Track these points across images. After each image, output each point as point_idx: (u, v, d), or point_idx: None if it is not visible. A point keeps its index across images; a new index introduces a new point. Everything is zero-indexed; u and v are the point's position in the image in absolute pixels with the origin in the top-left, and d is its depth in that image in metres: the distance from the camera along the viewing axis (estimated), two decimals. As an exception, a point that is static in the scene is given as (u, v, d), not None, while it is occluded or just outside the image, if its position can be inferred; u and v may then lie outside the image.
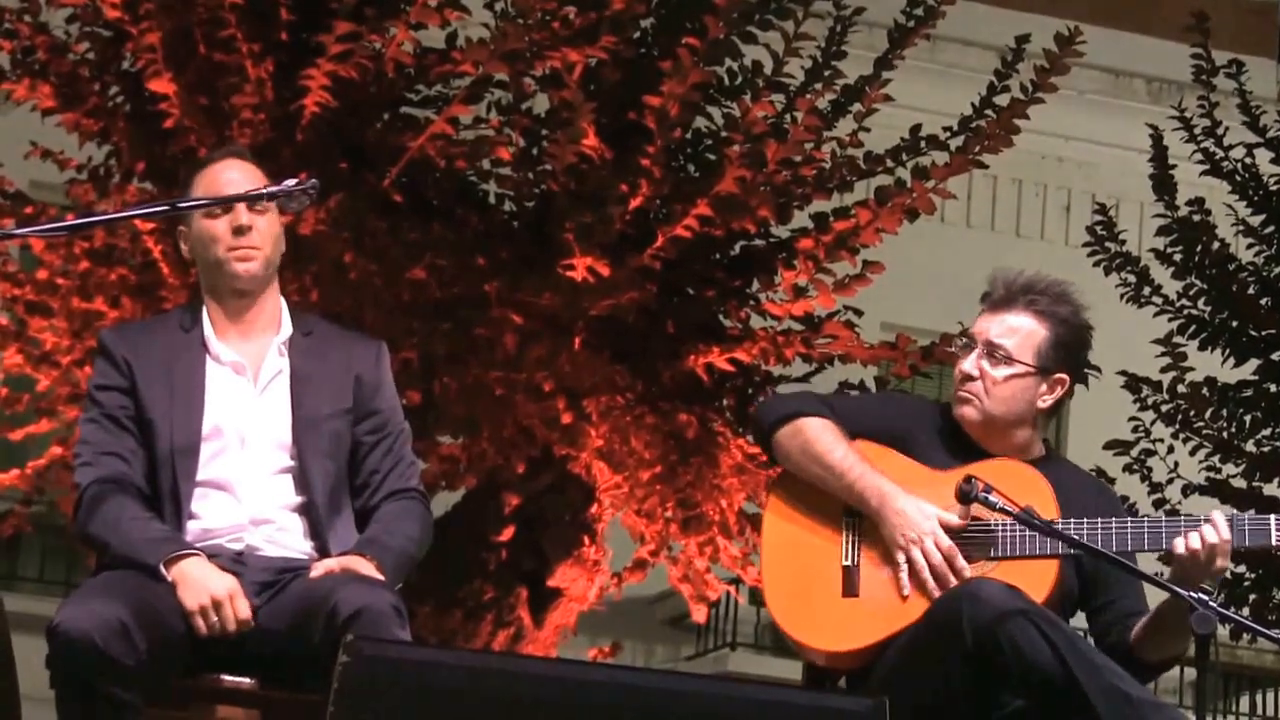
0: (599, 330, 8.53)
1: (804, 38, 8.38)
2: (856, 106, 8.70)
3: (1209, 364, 10.31)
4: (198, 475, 4.44)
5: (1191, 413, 10.13)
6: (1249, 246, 10.53)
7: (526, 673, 3.95)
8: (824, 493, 4.74)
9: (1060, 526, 4.53)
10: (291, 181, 4.48)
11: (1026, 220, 18.84)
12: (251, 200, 4.50)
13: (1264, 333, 10.29)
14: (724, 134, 8.60)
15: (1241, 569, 9.96)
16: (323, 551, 4.45)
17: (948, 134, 8.67)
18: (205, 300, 4.61)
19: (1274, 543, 4.59)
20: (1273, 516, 4.59)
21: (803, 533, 4.73)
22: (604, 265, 8.19)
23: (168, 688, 4.25)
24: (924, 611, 4.52)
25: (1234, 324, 10.29)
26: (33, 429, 9.08)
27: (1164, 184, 10.41)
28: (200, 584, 4.25)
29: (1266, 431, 10.24)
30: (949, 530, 4.60)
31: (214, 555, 4.36)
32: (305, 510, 4.49)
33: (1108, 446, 10.09)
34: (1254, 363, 10.36)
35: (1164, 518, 4.67)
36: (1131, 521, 4.63)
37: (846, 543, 4.69)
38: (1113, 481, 9.07)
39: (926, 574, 4.57)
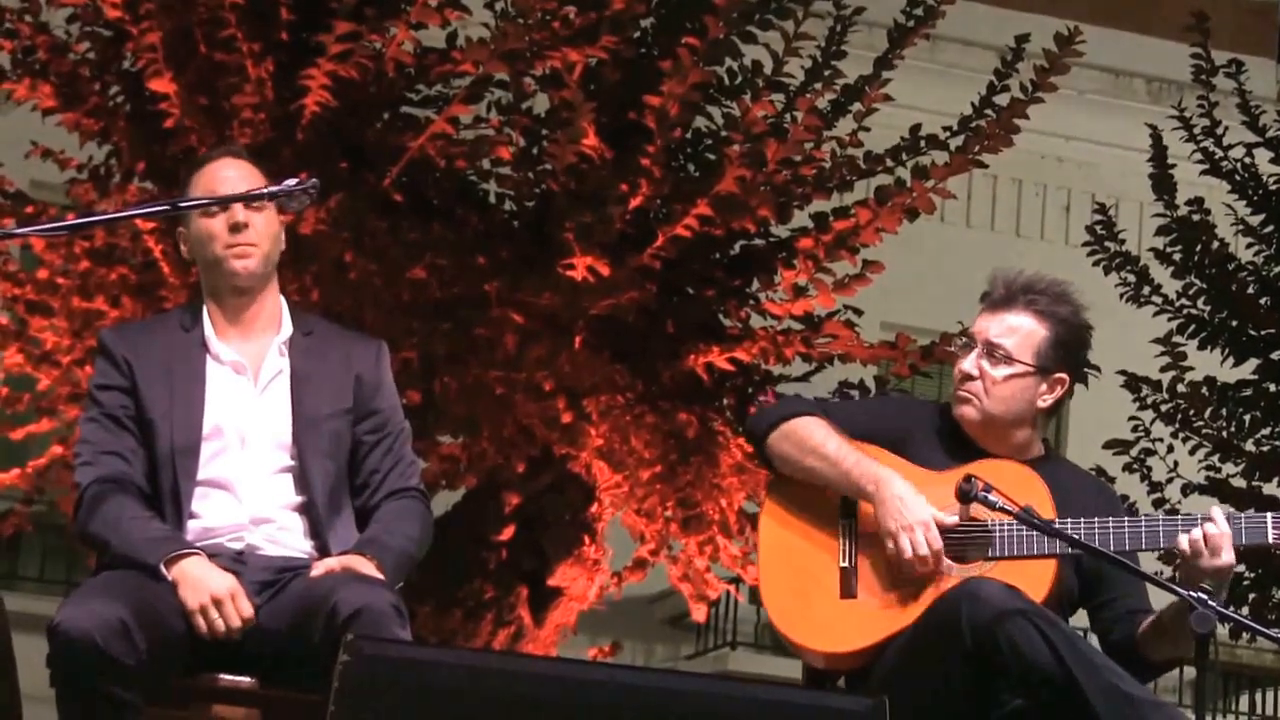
0: (599, 330, 8.53)
1: (804, 37, 8.38)
2: (856, 106, 8.70)
3: (1208, 363, 10.31)
4: (198, 475, 4.45)
5: (1191, 412, 10.13)
6: (1248, 246, 10.53)
7: (527, 672, 3.95)
8: (820, 495, 4.74)
9: (1058, 526, 4.53)
10: (292, 181, 4.48)
11: (1026, 220, 18.84)
12: (252, 200, 4.51)
13: (1263, 332, 10.29)
14: (724, 134, 8.61)
15: (1241, 568, 9.95)
16: (323, 551, 4.45)
17: (948, 134, 8.68)
18: (205, 300, 4.61)
19: (1271, 540, 4.59)
20: (1269, 515, 4.59)
21: (800, 535, 4.73)
22: (604, 265, 8.19)
23: (168, 687, 4.25)
24: (923, 612, 4.52)
25: (1233, 323, 10.29)
26: (33, 428, 9.08)
27: (1164, 184, 10.41)
28: (201, 583, 4.26)
29: (1266, 431, 10.24)
30: (941, 529, 4.60)
31: (214, 555, 4.36)
32: (305, 510, 4.49)
33: (1107, 446, 10.09)
34: (1253, 362, 10.36)
35: (1162, 517, 4.67)
36: (1129, 521, 4.64)
37: (843, 544, 4.69)
38: (1112, 481, 9.08)
39: (914, 563, 4.57)
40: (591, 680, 3.92)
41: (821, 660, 4.67)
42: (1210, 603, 4.23)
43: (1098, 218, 10.65)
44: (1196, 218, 10.36)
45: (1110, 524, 4.59)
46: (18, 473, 9.01)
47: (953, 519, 4.61)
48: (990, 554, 4.61)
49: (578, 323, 8.46)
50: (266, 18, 8.15)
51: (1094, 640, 4.83)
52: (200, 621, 4.24)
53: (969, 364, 4.79)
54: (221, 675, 4.31)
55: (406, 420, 4.70)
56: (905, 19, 8.83)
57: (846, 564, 4.67)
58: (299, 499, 4.49)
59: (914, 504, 4.59)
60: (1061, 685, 4.32)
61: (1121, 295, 10.35)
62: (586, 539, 9.23)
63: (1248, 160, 10.47)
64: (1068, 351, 4.80)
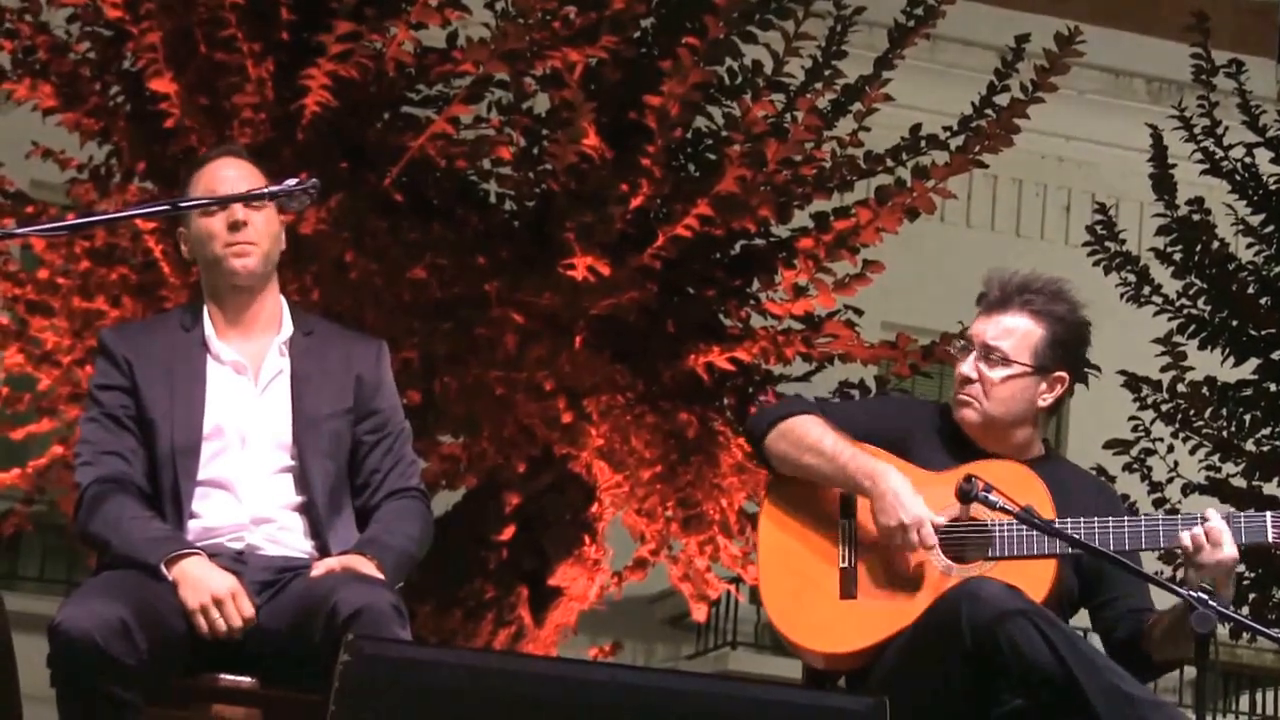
0: (599, 330, 8.53)
1: (804, 37, 8.38)
2: (857, 106, 8.71)
3: (1209, 363, 10.31)
4: (198, 475, 4.45)
5: (1191, 412, 10.13)
6: (1249, 246, 10.54)
7: (527, 672, 3.95)
8: (820, 496, 4.74)
9: (1058, 526, 4.54)
10: (292, 181, 4.48)
11: (1027, 220, 18.84)
12: (253, 199, 4.51)
13: (1263, 332, 10.29)
14: (724, 133, 8.61)
15: (1241, 568, 9.94)
16: (323, 551, 4.45)
17: (948, 134, 8.68)
18: (206, 300, 4.61)
19: (1270, 539, 4.59)
20: (1269, 514, 4.60)
21: (799, 536, 4.73)
22: (604, 265, 8.20)
23: (168, 687, 4.25)
24: (923, 611, 4.52)
25: (1234, 323, 10.29)
26: (34, 428, 9.08)
27: (1164, 183, 10.41)
28: (201, 583, 4.26)
29: (1266, 431, 10.24)
30: (938, 528, 4.60)
31: (215, 554, 4.36)
32: (306, 510, 4.49)
33: (1108, 446, 10.09)
34: (1254, 362, 10.36)
35: (1161, 516, 4.68)
36: (1129, 520, 4.64)
37: (843, 545, 4.69)
38: (1113, 480, 9.09)
39: (908, 558, 4.58)
40: (592, 680, 3.92)
41: (821, 661, 4.66)
42: (1210, 602, 4.23)
43: (1098, 218, 10.65)
44: (1197, 218, 10.36)
45: (1110, 523, 4.59)
46: (18, 473, 9.01)
47: (941, 519, 4.61)
48: (990, 554, 4.61)
49: (578, 323, 8.46)
50: (267, 18, 8.15)
51: (1096, 640, 4.84)
52: (201, 621, 4.24)
53: (967, 367, 4.79)
54: (222, 675, 4.31)
55: (407, 420, 4.70)
56: (905, 19, 8.83)
57: (846, 565, 4.67)
58: (299, 499, 4.49)
59: (909, 499, 4.59)
60: (1062, 685, 4.32)
61: (1122, 295, 10.36)
62: (587, 539, 9.23)
63: (1248, 160, 10.48)
64: (1066, 350, 4.80)
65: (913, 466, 4.73)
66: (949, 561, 4.62)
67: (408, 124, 8.47)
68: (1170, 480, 10.15)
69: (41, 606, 8.33)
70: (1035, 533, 4.54)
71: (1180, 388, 10.06)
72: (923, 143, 8.66)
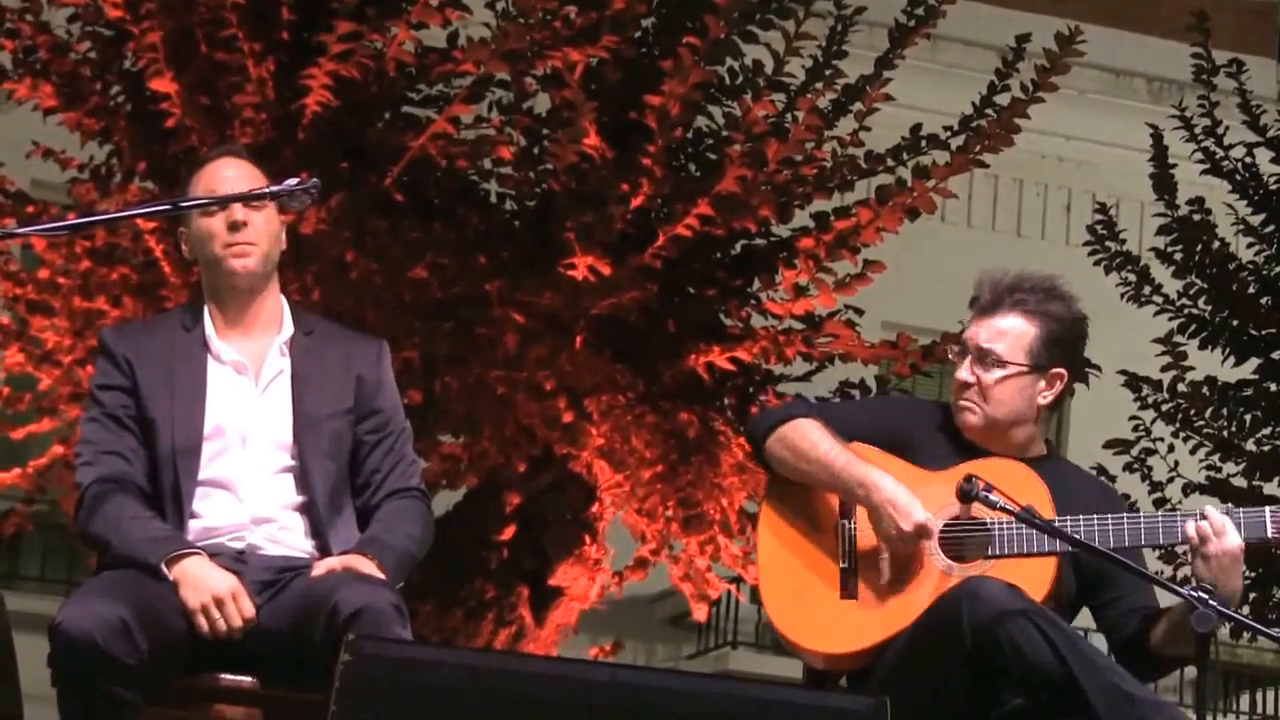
0: (600, 329, 8.53)
1: (805, 37, 8.38)
2: (857, 106, 8.70)
3: (1209, 363, 10.31)
4: (199, 474, 4.45)
5: (1192, 412, 10.13)
6: (1249, 246, 10.53)
7: (528, 672, 3.96)
8: (819, 496, 4.74)
9: (1058, 525, 4.54)
10: (293, 181, 4.49)
11: (1027, 220, 18.84)
12: (253, 199, 4.51)
13: (1264, 332, 10.29)
14: (725, 133, 8.61)
15: (1242, 568, 9.94)
16: (324, 550, 4.45)
17: (948, 133, 8.68)
18: (206, 300, 4.61)
19: (1270, 534, 4.59)
20: (1267, 508, 4.60)
21: (799, 536, 4.73)
22: (605, 264, 8.19)
23: (169, 687, 4.25)
24: (923, 611, 4.52)
25: (1234, 323, 10.29)
26: (34, 428, 9.08)
27: (1164, 183, 10.41)
28: (202, 583, 4.26)
29: (1267, 430, 10.23)
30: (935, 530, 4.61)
31: (215, 554, 4.37)
32: (306, 509, 4.50)
33: (1108, 445, 10.09)
34: (1254, 362, 10.36)
35: (1161, 513, 4.67)
36: (1128, 517, 4.63)
37: (842, 545, 4.69)
38: (1113, 480, 9.10)
39: (909, 559, 4.58)
40: (592, 680, 3.92)
41: (821, 661, 4.66)
42: (1211, 602, 4.23)
43: (1098, 217, 10.65)
44: (1197, 217, 10.36)
45: (1110, 520, 4.59)
46: (19, 472, 9.01)
47: (939, 524, 4.61)
48: (990, 552, 4.61)
49: (579, 322, 8.46)
50: (267, 17, 8.15)
51: (1099, 640, 4.84)
52: (201, 621, 4.24)
53: (964, 373, 4.79)
54: (222, 675, 4.32)
55: (407, 420, 4.70)
56: (906, 19, 8.83)
57: (846, 565, 4.67)
58: (300, 499, 4.50)
59: (906, 505, 4.59)
60: (1062, 685, 4.32)
61: (1122, 295, 10.35)
62: (587, 538, 9.23)
63: (1248, 160, 10.47)
64: (1062, 346, 4.79)
65: (912, 466, 4.72)
66: (949, 561, 4.62)
67: (408, 124, 8.47)
68: (1171, 480, 10.14)
69: (42, 606, 8.35)
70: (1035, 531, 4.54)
71: (1181, 387, 10.06)
72: (923, 142, 8.66)
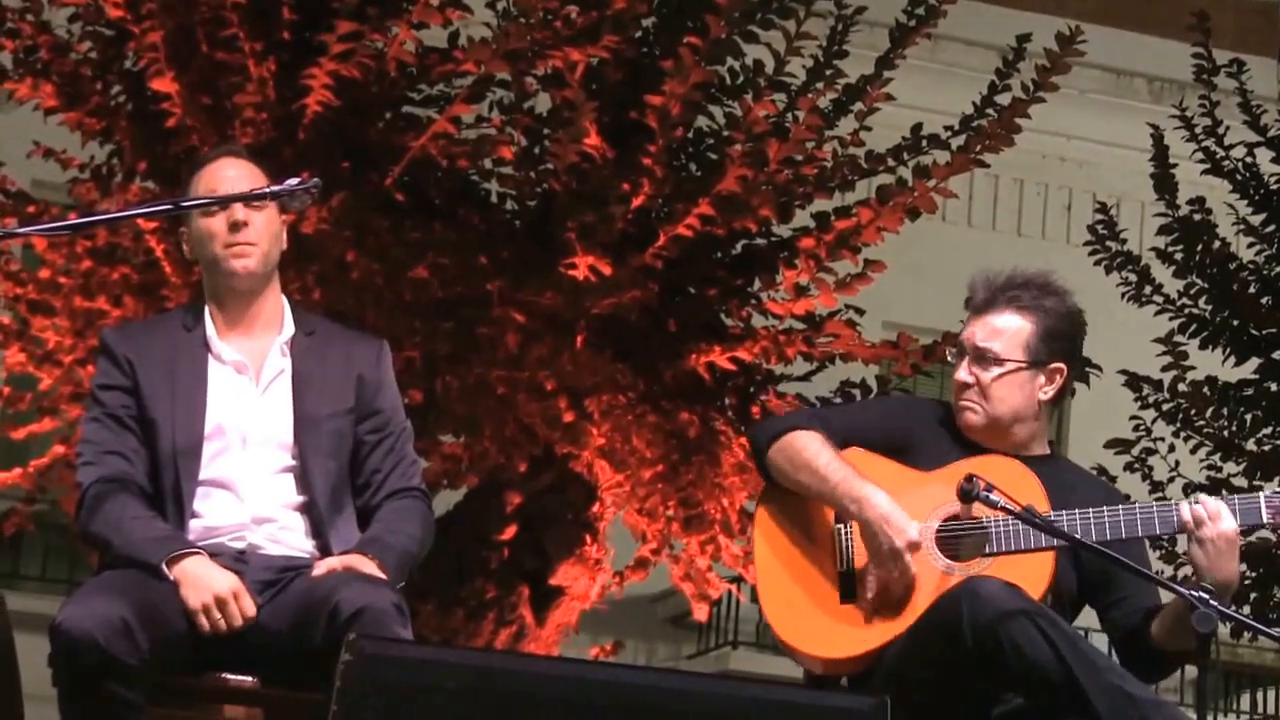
0: (601, 329, 8.53)
1: (805, 37, 8.38)
2: (858, 105, 8.71)
3: (1210, 363, 10.31)
4: (200, 474, 4.45)
5: (1192, 411, 10.13)
6: (1250, 245, 10.53)
7: (528, 671, 3.95)
8: (812, 502, 4.73)
9: (1056, 522, 4.53)
10: (293, 180, 4.49)
11: (1028, 219, 18.85)
12: (254, 199, 4.51)
13: (1264, 331, 10.29)
14: (726, 133, 8.61)
15: (1242, 567, 9.94)
16: (325, 550, 4.46)
17: (949, 133, 8.68)
18: (207, 300, 4.62)
19: (1265, 520, 4.59)
20: (1262, 494, 4.60)
21: (795, 542, 4.73)
22: (606, 264, 8.20)
23: (170, 686, 4.25)
24: (923, 612, 4.51)
25: (1235, 323, 10.29)
26: (35, 428, 9.09)
27: (1165, 183, 10.41)
28: (203, 582, 4.26)
29: (1267, 430, 10.23)
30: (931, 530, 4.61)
31: (216, 554, 4.37)
32: (307, 509, 4.50)
33: (1109, 445, 10.09)
34: (1255, 361, 10.36)
35: (1155, 503, 4.67)
36: (1124, 507, 4.63)
37: (840, 549, 4.69)
38: (1114, 480, 9.09)
39: (890, 589, 4.58)
40: (593, 680, 3.92)
41: (820, 666, 4.65)
42: (1211, 602, 4.23)
43: (1099, 217, 10.65)
44: (1198, 217, 10.36)
45: (1105, 512, 4.58)
46: (19, 472, 9.01)
47: (933, 528, 4.61)
48: (988, 550, 4.61)
49: (579, 322, 8.46)
50: (268, 17, 8.15)
51: (1100, 640, 4.83)
52: (202, 621, 4.24)
53: (963, 373, 4.79)
54: (224, 675, 4.32)
55: (408, 420, 4.70)
56: (907, 18, 8.83)
57: (844, 568, 4.66)
58: (300, 498, 4.50)
59: (896, 524, 4.58)
60: (1063, 685, 4.32)
61: (1123, 295, 10.35)
62: (588, 538, 9.23)
63: (1249, 160, 10.47)
64: (1059, 340, 4.79)
65: (908, 469, 4.72)
66: (948, 560, 4.62)
67: (409, 123, 8.48)
68: (1171, 479, 10.14)
69: (43, 606, 8.34)
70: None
71: (1181, 387, 10.06)
72: (924, 142, 8.66)
